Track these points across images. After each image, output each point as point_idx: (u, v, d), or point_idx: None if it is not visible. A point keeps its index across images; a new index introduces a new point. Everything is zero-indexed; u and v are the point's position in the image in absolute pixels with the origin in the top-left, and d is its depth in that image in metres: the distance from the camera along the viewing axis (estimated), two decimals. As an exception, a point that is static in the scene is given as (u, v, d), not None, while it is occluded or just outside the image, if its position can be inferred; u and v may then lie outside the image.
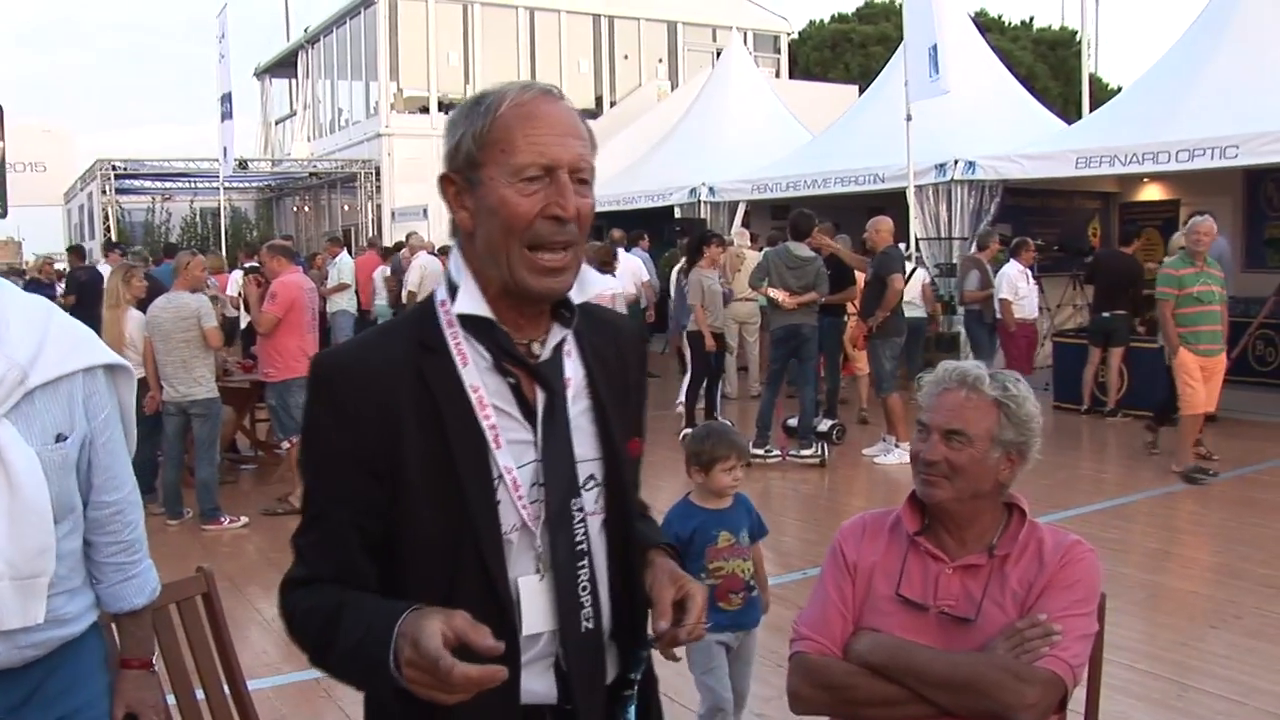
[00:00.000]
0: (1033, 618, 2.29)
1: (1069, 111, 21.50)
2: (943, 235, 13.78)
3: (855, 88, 27.21)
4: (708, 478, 3.96)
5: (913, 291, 11.61)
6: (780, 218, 15.04)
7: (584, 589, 1.73)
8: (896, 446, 9.77)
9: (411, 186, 26.22)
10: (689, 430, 8.63)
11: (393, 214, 25.84)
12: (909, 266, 11.12)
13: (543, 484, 1.71)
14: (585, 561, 1.74)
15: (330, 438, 1.70)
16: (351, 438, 1.67)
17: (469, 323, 1.71)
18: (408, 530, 1.68)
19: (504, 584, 1.68)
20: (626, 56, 30.32)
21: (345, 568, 1.70)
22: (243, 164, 27.49)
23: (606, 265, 10.89)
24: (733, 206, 17.66)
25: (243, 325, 12.93)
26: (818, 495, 9.17)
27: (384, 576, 1.71)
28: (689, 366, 11.09)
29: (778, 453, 10.00)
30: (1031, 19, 39.79)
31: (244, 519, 8.24)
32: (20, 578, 2.12)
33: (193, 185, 29.29)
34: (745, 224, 17.23)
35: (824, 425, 10.48)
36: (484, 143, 1.67)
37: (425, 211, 24.09)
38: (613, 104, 29.22)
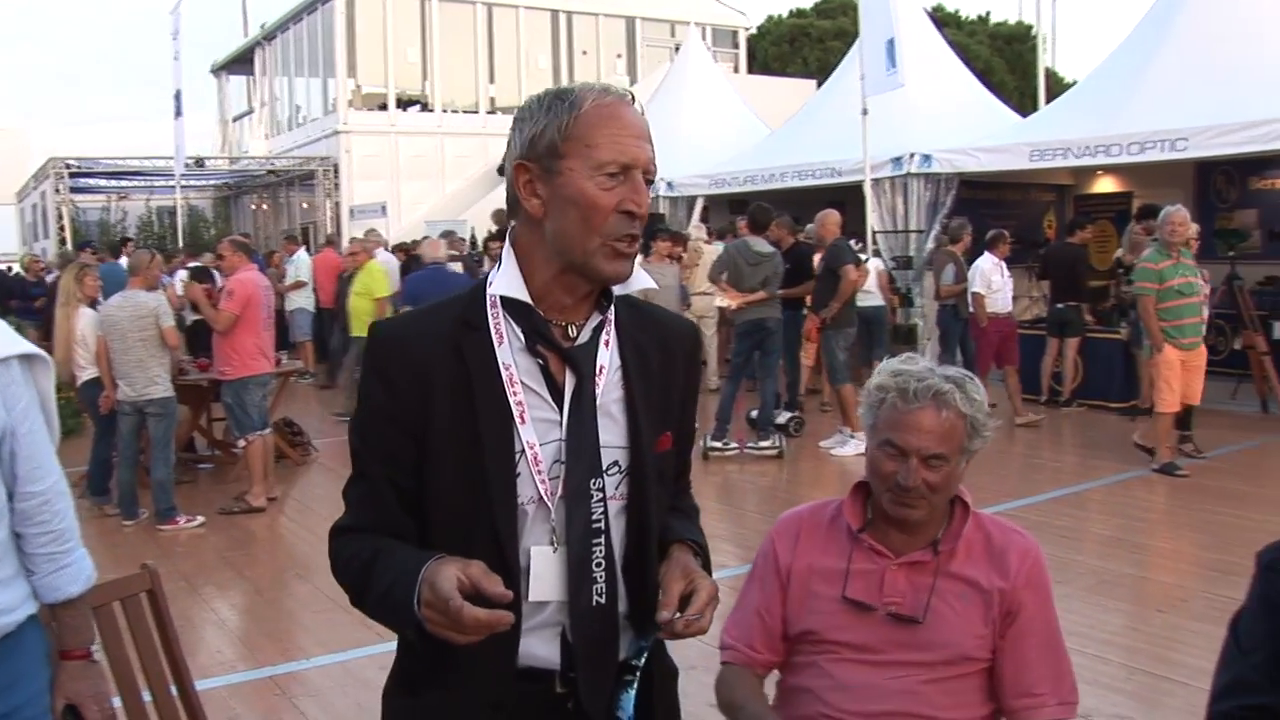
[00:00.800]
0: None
1: (1026, 106, 21.66)
2: (899, 228, 13.88)
3: (813, 82, 27.31)
4: None
5: (870, 280, 11.68)
6: (738, 212, 15.09)
7: (598, 565, 1.81)
8: (852, 437, 9.85)
9: (370, 184, 26.11)
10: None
11: (351, 211, 25.70)
12: (863, 257, 11.17)
13: (564, 462, 1.80)
14: (601, 539, 1.82)
15: (375, 399, 1.84)
16: (391, 400, 1.81)
17: (510, 304, 1.82)
18: (433, 491, 1.82)
19: (513, 551, 1.79)
20: (585, 52, 30.27)
21: (385, 519, 1.84)
22: (199, 162, 27.25)
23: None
24: (691, 201, 17.71)
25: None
26: (776, 487, 9.23)
27: (419, 532, 1.84)
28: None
29: (735, 445, 10.04)
30: (988, 14, 40.15)
31: (200, 518, 8.17)
32: None
33: (149, 184, 28.95)
34: (704, 218, 17.29)
35: (782, 418, 10.55)
36: (568, 135, 1.75)
37: (384, 209, 23.99)
38: (572, 100, 29.11)
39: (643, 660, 1.89)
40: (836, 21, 36.80)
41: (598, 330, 1.86)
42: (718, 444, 9.92)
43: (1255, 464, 9.41)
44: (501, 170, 1.96)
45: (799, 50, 37.13)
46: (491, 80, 28.83)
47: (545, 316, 1.82)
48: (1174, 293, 8.56)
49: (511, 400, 1.78)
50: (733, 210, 17.47)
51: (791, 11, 40.14)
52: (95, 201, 31.02)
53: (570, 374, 1.82)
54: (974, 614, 2.35)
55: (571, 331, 1.84)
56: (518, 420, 1.78)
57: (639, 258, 1.93)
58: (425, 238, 14.03)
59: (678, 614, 1.75)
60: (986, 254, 11.40)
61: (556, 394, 1.81)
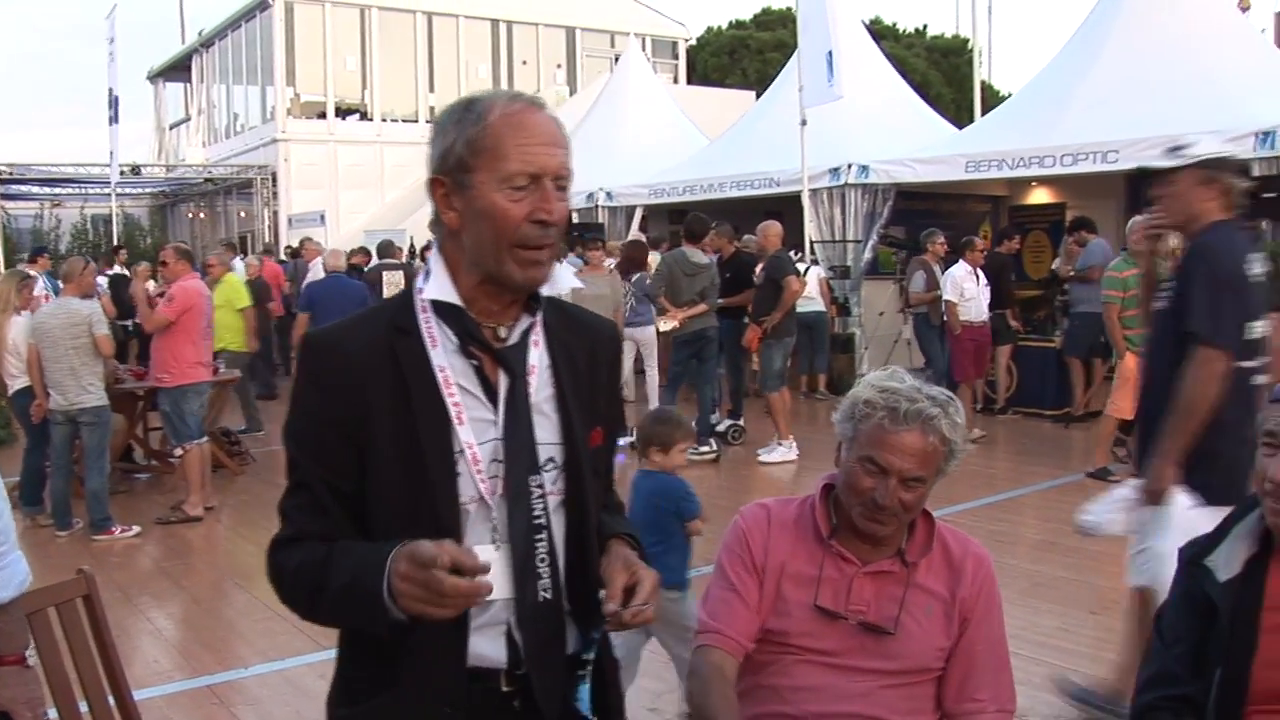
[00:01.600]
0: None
1: (962, 117, 21.90)
2: (837, 238, 13.99)
3: (752, 93, 27.51)
4: (667, 457, 4.57)
5: (811, 286, 11.76)
6: (677, 222, 15.16)
7: (542, 560, 1.84)
8: (780, 444, 9.93)
9: (308, 192, 25.90)
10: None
11: (290, 220, 25.49)
12: (802, 267, 11.26)
13: (502, 460, 1.82)
14: (544, 535, 1.84)
15: (310, 405, 1.85)
16: (327, 405, 1.82)
17: (441, 309, 1.84)
18: (374, 495, 1.82)
19: None
20: (525, 62, 30.32)
21: (328, 526, 1.83)
22: (135, 169, 26.96)
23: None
24: (630, 211, 17.75)
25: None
26: (714, 494, 9.25)
27: (362, 537, 1.83)
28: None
29: (714, 449, 10.18)
30: (925, 27, 40.45)
31: (136, 528, 8.05)
32: None
33: (83, 191, 28.54)
34: (643, 228, 17.33)
35: (722, 425, 10.62)
36: (475, 149, 1.77)
37: (322, 217, 23.82)
38: (511, 109, 29.08)
39: (593, 654, 1.92)
40: (775, 33, 36.98)
41: (527, 332, 1.90)
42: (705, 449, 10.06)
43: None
44: None
45: (738, 61, 37.30)
46: (431, 89, 28.75)
47: (476, 319, 1.85)
48: (1137, 301, 8.60)
49: (448, 402, 1.80)
50: (672, 220, 17.56)
51: (731, 23, 40.31)
52: (28, 209, 30.47)
53: (503, 374, 1.85)
54: (937, 628, 2.40)
55: (502, 333, 1.87)
56: (455, 421, 1.80)
57: (573, 268, 1.96)
58: (360, 247, 13.96)
59: (623, 606, 1.78)
60: (960, 261, 11.10)
61: (491, 395, 1.85)
